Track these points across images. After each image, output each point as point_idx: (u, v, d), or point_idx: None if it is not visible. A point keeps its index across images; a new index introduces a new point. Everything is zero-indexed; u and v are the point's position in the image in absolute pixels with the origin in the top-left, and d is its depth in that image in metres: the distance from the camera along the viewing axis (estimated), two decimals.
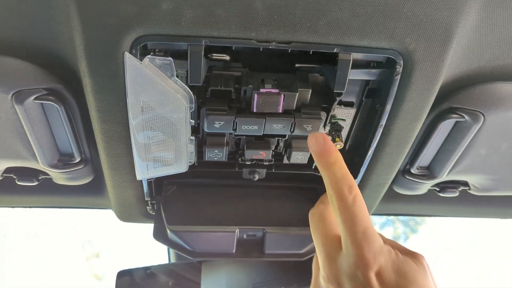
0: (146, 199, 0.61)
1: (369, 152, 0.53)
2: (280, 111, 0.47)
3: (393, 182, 0.65)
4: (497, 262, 2.35)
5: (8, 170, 0.58)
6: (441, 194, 0.68)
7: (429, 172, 0.62)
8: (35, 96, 0.46)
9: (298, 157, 0.54)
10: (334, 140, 0.53)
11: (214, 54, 0.44)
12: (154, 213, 0.64)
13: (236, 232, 0.59)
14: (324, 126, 0.51)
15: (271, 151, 0.54)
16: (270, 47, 0.42)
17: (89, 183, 0.62)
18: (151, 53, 0.41)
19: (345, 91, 0.46)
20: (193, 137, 0.49)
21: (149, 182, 0.58)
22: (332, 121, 0.54)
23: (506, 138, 0.56)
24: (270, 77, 0.46)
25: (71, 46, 0.42)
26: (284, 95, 0.46)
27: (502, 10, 0.43)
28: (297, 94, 0.46)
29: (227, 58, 0.45)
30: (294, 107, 0.48)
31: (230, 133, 0.51)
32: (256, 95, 0.45)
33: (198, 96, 0.48)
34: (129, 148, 0.50)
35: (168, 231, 0.59)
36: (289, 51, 0.43)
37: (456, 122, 0.54)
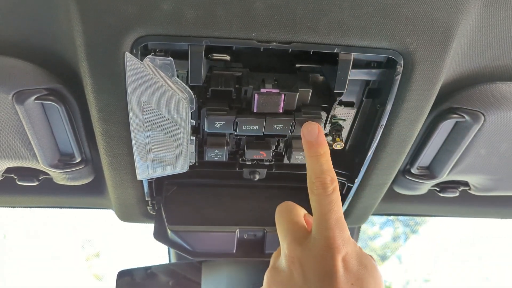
0: (146, 199, 0.61)
1: (369, 152, 0.53)
2: (281, 111, 0.47)
3: (393, 182, 0.65)
4: (497, 262, 2.35)
5: (8, 170, 0.58)
6: (441, 194, 0.68)
7: (429, 172, 0.62)
8: (35, 96, 0.46)
9: (299, 157, 0.54)
10: (334, 140, 0.53)
11: (214, 54, 0.44)
12: (154, 213, 0.64)
13: (237, 232, 0.59)
14: (325, 126, 0.51)
15: (272, 151, 0.54)
16: (270, 47, 0.42)
17: (90, 183, 0.62)
18: (152, 53, 0.41)
19: (346, 91, 0.46)
20: (193, 137, 0.49)
21: (150, 182, 0.58)
22: (333, 121, 0.54)
23: (506, 138, 0.56)
24: (271, 77, 0.46)
25: (71, 46, 0.42)
26: (284, 95, 0.46)
27: (503, 10, 0.43)
28: (298, 94, 0.47)
29: (228, 58, 0.45)
30: (295, 107, 0.48)
31: (230, 133, 0.51)
32: (256, 95, 0.45)
33: (199, 96, 0.48)
34: (129, 148, 0.50)
35: (169, 231, 0.59)
36: (290, 51, 0.43)
37: (456, 122, 0.54)
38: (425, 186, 0.65)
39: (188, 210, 0.60)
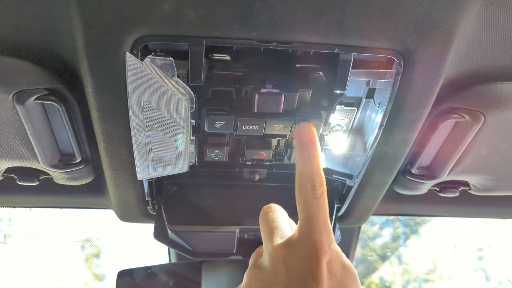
0: (146, 199, 0.61)
1: (369, 152, 0.53)
2: (281, 111, 0.47)
3: (394, 182, 0.65)
4: (497, 262, 2.35)
5: (9, 170, 0.58)
6: (441, 194, 0.68)
7: (429, 172, 0.62)
8: (36, 96, 0.46)
9: None
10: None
11: (215, 54, 0.44)
12: (154, 213, 0.64)
13: (237, 232, 0.59)
14: (325, 126, 0.51)
15: (272, 151, 0.54)
16: (271, 48, 0.42)
17: (90, 183, 0.62)
18: (152, 53, 0.41)
19: (346, 91, 0.46)
20: (194, 137, 0.49)
21: (150, 182, 0.58)
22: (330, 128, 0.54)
23: (506, 138, 0.56)
24: (271, 77, 0.46)
25: (72, 46, 0.42)
26: (284, 95, 0.46)
27: (503, 10, 0.43)
28: (298, 94, 0.47)
29: (228, 58, 0.45)
30: (295, 107, 0.48)
31: (231, 133, 0.52)
32: (257, 95, 0.45)
33: (199, 96, 0.48)
34: (129, 148, 0.50)
35: (169, 231, 0.59)
36: (290, 51, 0.43)
37: (457, 122, 0.54)
38: (425, 186, 0.65)
39: (189, 210, 0.60)
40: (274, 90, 0.46)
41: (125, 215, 0.67)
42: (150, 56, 0.41)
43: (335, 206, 0.65)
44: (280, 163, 0.59)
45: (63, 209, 0.80)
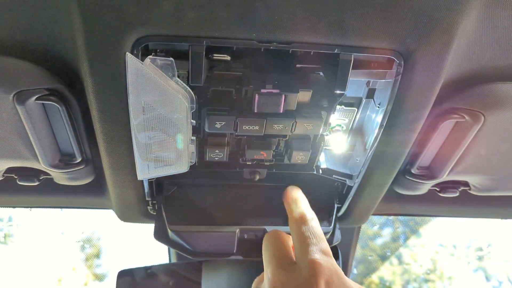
0: (147, 199, 0.61)
1: (369, 152, 0.54)
2: (281, 111, 0.47)
3: (394, 182, 0.65)
4: (497, 262, 2.35)
5: (9, 170, 0.58)
6: (441, 194, 0.68)
7: (429, 172, 0.62)
8: (36, 96, 0.46)
9: (299, 157, 0.54)
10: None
11: (215, 55, 0.44)
12: (154, 213, 0.64)
13: (237, 232, 0.59)
14: (325, 126, 0.51)
15: (272, 151, 0.54)
16: (271, 48, 0.42)
17: (90, 183, 0.62)
18: (153, 54, 0.41)
19: (346, 91, 0.46)
20: (194, 137, 0.49)
21: (150, 182, 0.58)
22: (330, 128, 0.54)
23: (506, 138, 0.56)
24: (271, 78, 0.46)
25: (72, 46, 0.42)
26: (285, 95, 0.46)
27: (503, 10, 0.43)
28: (298, 94, 0.47)
29: (228, 58, 0.45)
30: (295, 108, 0.48)
31: (231, 133, 0.52)
32: (257, 96, 0.45)
33: (199, 96, 0.48)
34: (130, 148, 0.50)
35: (169, 231, 0.59)
36: (290, 51, 0.43)
37: (457, 122, 0.54)
38: (425, 186, 0.65)
39: (189, 210, 0.60)
40: (274, 90, 0.46)
41: (125, 215, 0.67)
42: (150, 56, 0.41)
43: (335, 206, 0.65)
44: (280, 163, 0.59)
45: (63, 209, 0.80)
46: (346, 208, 0.65)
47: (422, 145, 0.57)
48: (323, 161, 0.60)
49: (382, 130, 0.50)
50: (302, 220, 0.43)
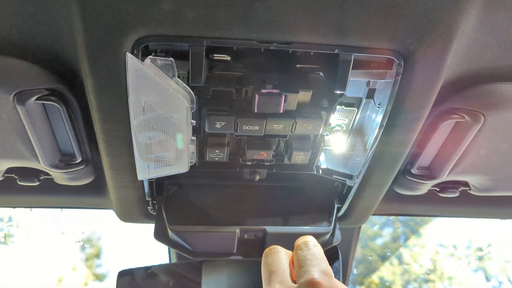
0: (147, 199, 0.61)
1: (369, 152, 0.54)
2: (281, 111, 0.47)
3: (394, 182, 0.65)
4: (497, 262, 2.35)
5: (9, 170, 0.58)
6: (441, 194, 0.69)
7: (429, 172, 0.62)
8: (36, 96, 0.46)
9: (299, 157, 0.54)
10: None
11: (215, 55, 0.44)
12: (154, 213, 0.64)
13: (237, 232, 0.59)
14: (325, 126, 0.51)
15: (272, 151, 0.54)
16: (271, 48, 0.42)
17: (90, 183, 0.62)
18: (153, 54, 0.41)
19: (346, 91, 0.46)
20: (194, 138, 0.49)
21: (150, 182, 0.58)
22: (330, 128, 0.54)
23: (506, 138, 0.56)
24: (271, 78, 0.46)
25: (72, 46, 0.42)
26: (285, 95, 0.46)
27: (503, 11, 0.43)
28: (298, 94, 0.47)
29: (228, 58, 0.45)
30: (295, 108, 0.48)
31: (231, 134, 0.52)
32: (257, 96, 0.45)
33: (199, 96, 0.48)
34: (130, 148, 0.50)
35: (169, 231, 0.59)
36: (290, 51, 0.43)
37: (457, 122, 0.54)
38: (425, 186, 0.65)
39: (189, 210, 0.60)
40: (274, 91, 0.46)
41: (126, 215, 0.67)
42: (150, 56, 0.41)
43: (335, 206, 0.65)
44: (280, 163, 0.59)
45: (63, 209, 0.80)
46: (346, 208, 0.65)
47: (422, 145, 0.57)
48: (323, 161, 0.60)
49: (382, 130, 0.51)
50: (305, 244, 0.43)
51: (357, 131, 0.57)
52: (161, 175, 0.51)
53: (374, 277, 2.23)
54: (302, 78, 0.47)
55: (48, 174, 0.59)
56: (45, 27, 0.42)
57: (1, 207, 0.78)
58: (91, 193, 0.68)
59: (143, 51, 0.41)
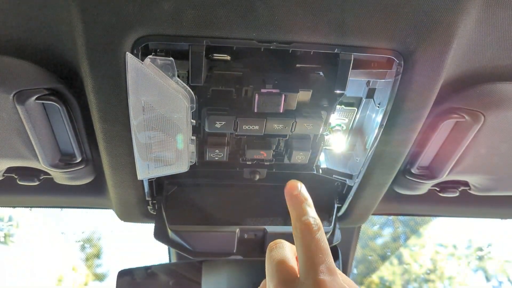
0: (147, 199, 0.61)
1: (369, 152, 0.54)
2: (281, 111, 0.47)
3: (394, 182, 0.65)
4: (497, 262, 2.35)
5: (9, 170, 0.58)
6: (441, 194, 0.69)
7: (429, 172, 0.62)
8: (36, 96, 0.46)
9: (299, 157, 0.54)
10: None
11: (215, 54, 0.44)
12: (154, 213, 0.64)
13: (237, 232, 0.59)
14: (325, 125, 0.51)
15: (272, 151, 0.54)
16: (271, 47, 0.42)
17: (90, 183, 0.62)
18: (153, 53, 0.41)
19: (346, 91, 0.46)
20: (194, 137, 0.49)
21: (150, 182, 0.58)
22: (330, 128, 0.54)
23: (506, 138, 0.56)
24: (271, 77, 0.46)
25: (72, 46, 0.42)
26: (285, 95, 0.46)
27: (503, 10, 0.43)
28: (298, 94, 0.47)
29: (228, 58, 0.45)
30: (295, 107, 0.48)
31: (231, 133, 0.52)
32: (257, 95, 0.45)
33: (199, 96, 0.48)
34: (130, 148, 0.50)
35: (169, 231, 0.59)
36: (290, 51, 0.43)
37: (457, 122, 0.54)
38: (425, 186, 0.65)
39: (189, 210, 0.60)
40: (274, 90, 0.46)
41: (125, 215, 0.67)
42: (150, 56, 0.41)
43: (335, 206, 0.65)
44: (280, 163, 0.59)
45: (63, 209, 0.80)
46: (346, 208, 0.65)
47: (422, 145, 0.57)
48: (323, 161, 0.60)
49: (382, 129, 0.51)
50: (308, 230, 0.40)
51: (357, 131, 0.57)
52: (161, 175, 0.51)
53: (374, 277, 2.23)
54: (302, 78, 0.47)
55: (48, 174, 0.59)
56: (45, 26, 0.42)
57: (1, 207, 0.78)
58: (91, 193, 0.68)
59: (143, 51, 0.41)
